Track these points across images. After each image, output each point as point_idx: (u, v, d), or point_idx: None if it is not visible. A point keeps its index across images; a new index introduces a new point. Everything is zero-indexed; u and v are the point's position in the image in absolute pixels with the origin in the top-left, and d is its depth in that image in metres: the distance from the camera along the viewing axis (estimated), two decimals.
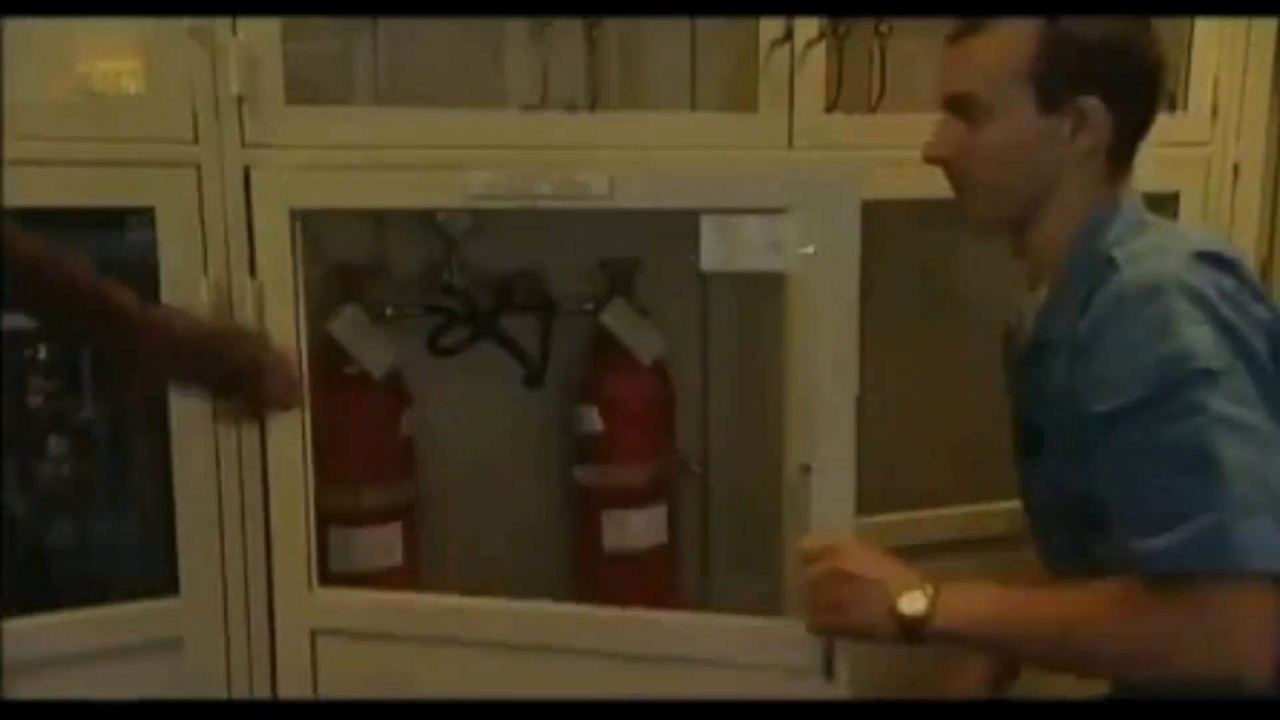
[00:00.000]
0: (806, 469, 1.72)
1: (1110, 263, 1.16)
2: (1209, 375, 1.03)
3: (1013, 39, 1.23)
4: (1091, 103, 1.22)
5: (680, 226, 1.93)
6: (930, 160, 1.31)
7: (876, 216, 1.46)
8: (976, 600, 1.17)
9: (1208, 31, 1.86)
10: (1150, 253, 1.15)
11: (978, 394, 1.65)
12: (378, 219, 1.81)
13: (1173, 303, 1.07)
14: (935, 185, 1.34)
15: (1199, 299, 1.07)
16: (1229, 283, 1.10)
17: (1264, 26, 1.89)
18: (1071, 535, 1.26)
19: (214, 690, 1.50)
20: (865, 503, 1.83)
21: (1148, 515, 1.04)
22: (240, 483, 1.47)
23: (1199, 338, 1.05)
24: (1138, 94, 1.26)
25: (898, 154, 1.40)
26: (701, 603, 2.06)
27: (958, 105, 1.28)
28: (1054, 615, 1.12)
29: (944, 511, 1.85)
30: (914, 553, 1.76)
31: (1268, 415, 1.05)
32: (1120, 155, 1.27)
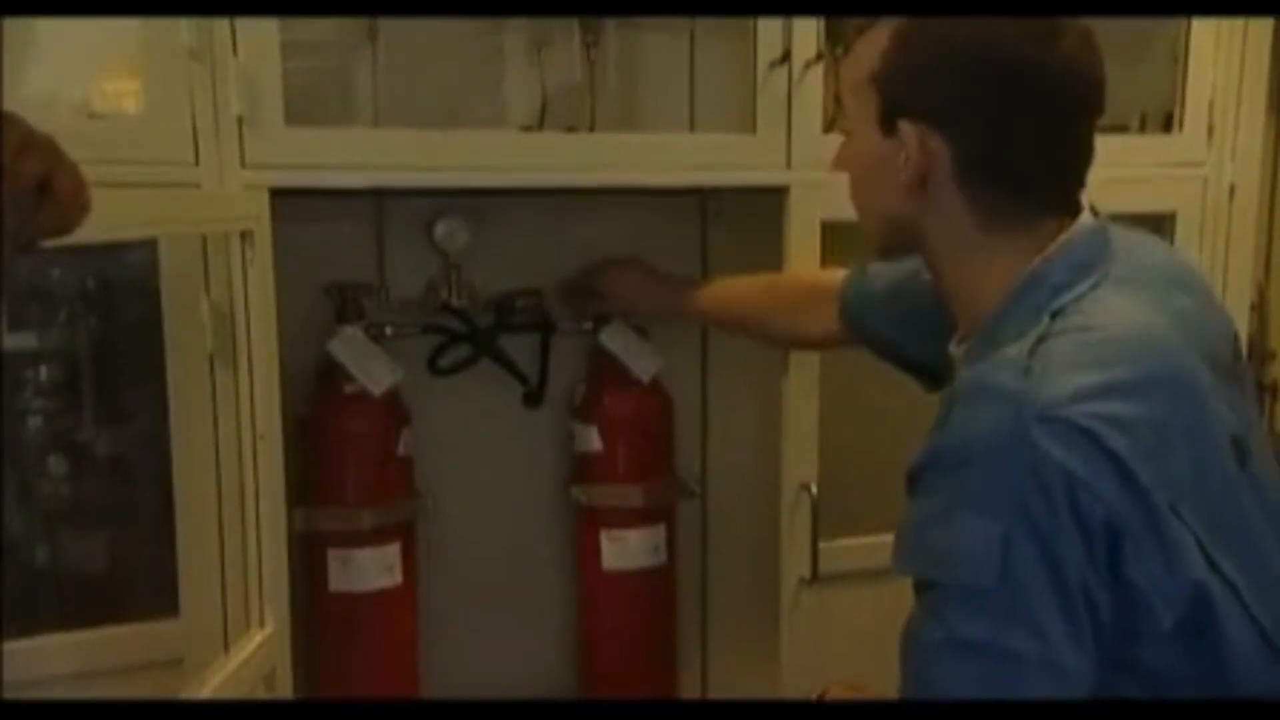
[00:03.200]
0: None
1: (955, 389, 0.98)
2: (966, 592, 0.92)
3: (869, 45, 1.05)
4: (905, 126, 1.02)
5: (677, 242, 1.95)
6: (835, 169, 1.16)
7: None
8: None
9: (1203, 53, 1.87)
10: (998, 392, 0.93)
11: None
12: (377, 238, 1.82)
13: (974, 486, 0.93)
14: None
15: (1009, 488, 0.91)
16: (1075, 460, 0.89)
17: (1259, 48, 1.91)
18: None
19: None
20: (864, 523, 1.84)
21: (902, 681, 1.01)
22: (241, 504, 1.47)
23: (976, 545, 0.91)
24: (989, 128, 1.01)
25: None
26: (700, 623, 2.06)
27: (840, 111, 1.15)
28: None
29: None
30: None
31: (1064, 628, 0.91)
32: (992, 205, 1.03)
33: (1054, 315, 0.98)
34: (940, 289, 1.12)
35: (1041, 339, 0.96)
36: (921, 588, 0.97)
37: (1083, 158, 1.05)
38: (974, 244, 1.05)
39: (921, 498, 0.98)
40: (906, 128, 1.02)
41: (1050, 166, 1.04)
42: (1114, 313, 0.99)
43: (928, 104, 1.01)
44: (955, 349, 1.15)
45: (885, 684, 1.19)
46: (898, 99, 1.03)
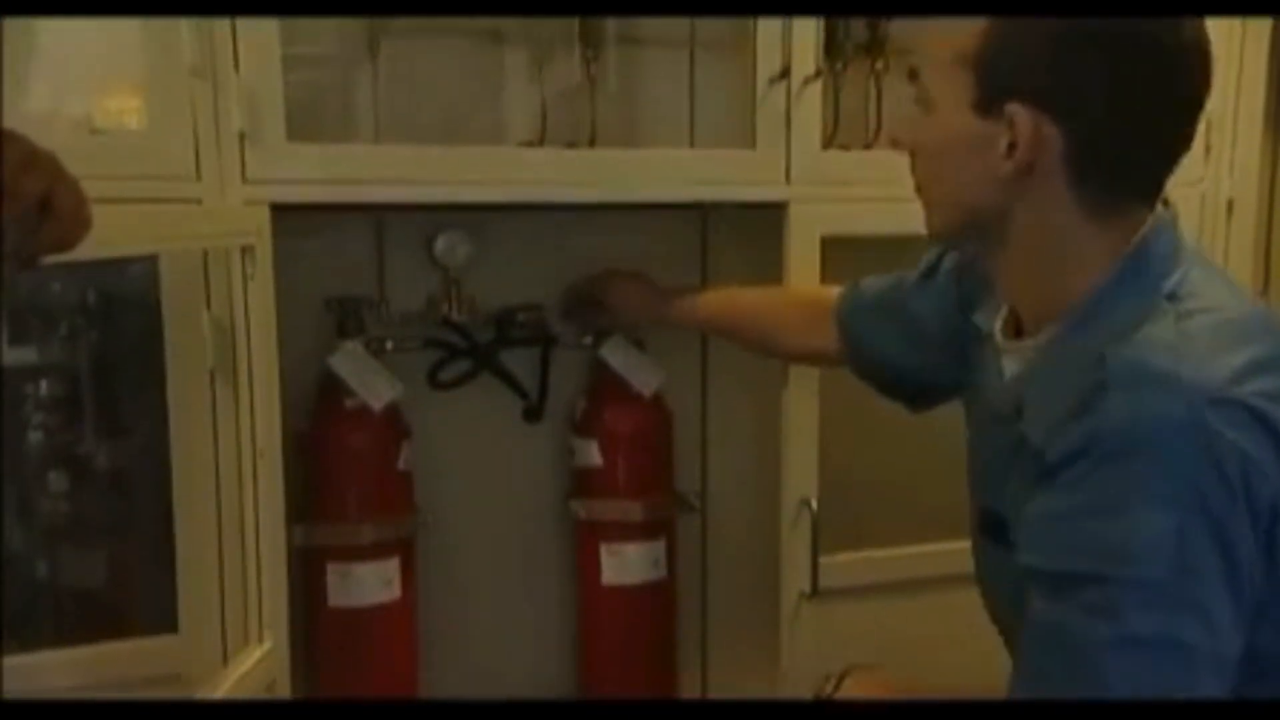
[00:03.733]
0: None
1: (1101, 373, 0.92)
2: (1140, 585, 0.88)
3: (961, 21, 1.00)
4: (1018, 111, 0.96)
5: (677, 257, 1.95)
6: (891, 144, 1.12)
7: (871, 251, 1.48)
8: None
9: None
10: (1161, 376, 0.90)
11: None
12: (377, 252, 1.82)
13: (1146, 475, 0.89)
14: None
15: (1184, 475, 0.88)
16: (1247, 441, 0.88)
17: (1256, 64, 1.91)
18: None
19: None
20: (864, 538, 1.85)
21: (1028, 683, 0.97)
22: (240, 520, 1.47)
23: (1152, 537, 0.88)
24: (1108, 115, 0.96)
25: (894, 190, 1.40)
26: (700, 637, 2.05)
27: (915, 86, 1.06)
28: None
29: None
30: (917, 587, 1.76)
31: (1232, 616, 0.89)
32: (1098, 195, 1.00)
33: (1169, 298, 0.97)
34: (1007, 275, 1.08)
35: (1177, 319, 0.95)
36: (1066, 582, 0.92)
37: (1188, 147, 1.03)
38: (1074, 233, 1.01)
39: (1072, 489, 0.93)
40: (1018, 112, 0.96)
41: (1161, 155, 1.02)
42: (1220, 296, 0.99)
43: (1041, 87, 0.96)
44: (1004, 341, 1.13)
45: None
46: (1002, 81, 0.97)
